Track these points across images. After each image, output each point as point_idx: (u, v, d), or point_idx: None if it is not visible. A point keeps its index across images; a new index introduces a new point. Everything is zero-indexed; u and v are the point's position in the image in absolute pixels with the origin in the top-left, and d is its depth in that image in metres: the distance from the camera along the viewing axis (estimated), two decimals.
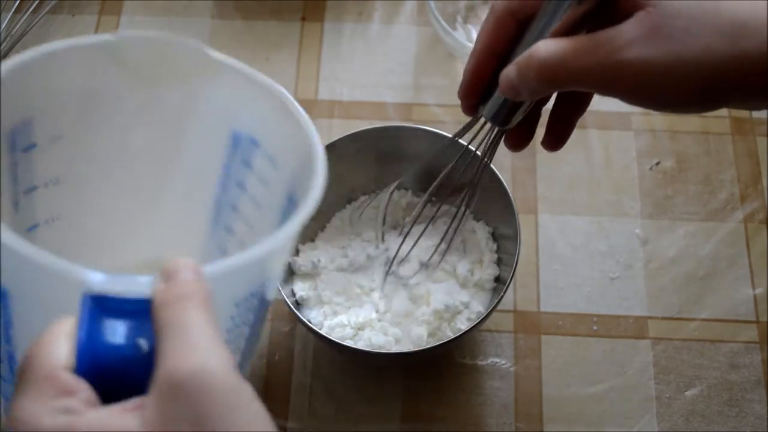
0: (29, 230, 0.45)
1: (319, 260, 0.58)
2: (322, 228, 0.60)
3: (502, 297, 0.52)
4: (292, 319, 0.60)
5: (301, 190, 0.38)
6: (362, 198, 0.61)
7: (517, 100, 0.42)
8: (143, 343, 0.34)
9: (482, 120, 0.45)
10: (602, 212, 0.64)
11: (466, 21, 0.71)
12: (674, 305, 0.60)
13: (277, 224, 0.40)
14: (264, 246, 0.35)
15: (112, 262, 0.47)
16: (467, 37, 0.70)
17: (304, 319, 0.53)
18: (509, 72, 0.39)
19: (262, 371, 0.58)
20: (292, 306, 0.53)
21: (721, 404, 0.57)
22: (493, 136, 0.46)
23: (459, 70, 0.70)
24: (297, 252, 0.59)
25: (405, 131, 0.59)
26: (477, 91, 0.43)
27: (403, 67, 0.70)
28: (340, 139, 0.58)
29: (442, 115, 0.67)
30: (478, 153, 0.48)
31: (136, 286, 0.34)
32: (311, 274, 0.58)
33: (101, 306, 0.34)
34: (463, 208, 0.53)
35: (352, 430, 0.56)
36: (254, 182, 0.43)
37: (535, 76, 0.38)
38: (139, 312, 0.34)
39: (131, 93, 0.42)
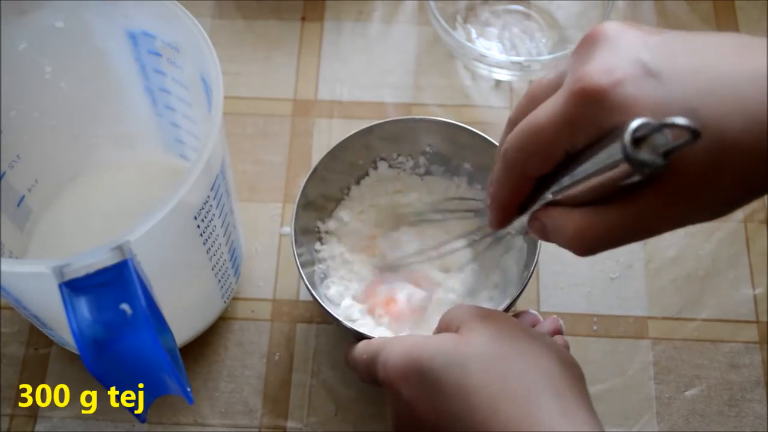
0: None
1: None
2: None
3: (513, 301, 0.52)
4: (291, 318, 0.60)
5: (206, 69, 0.45)
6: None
7: None
8: (126, 307, 0.36)
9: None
10: None
11: (466, 21, 0.71)
12: (674, 305, 0.60)
13: (204, 99, 0.48)
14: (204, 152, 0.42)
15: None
16: (467, 37, 0.70)
17: (324, 305, 0.52)
18: (540, 229, 0.40)
19: (262, 371, 0.58)
20: (315, 294, 0.52)
21: (721, 404, 0.57)
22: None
23: (459, 70, 0.70)
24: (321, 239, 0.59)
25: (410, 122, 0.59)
26: (506, 224, 0.44)
27: (403, 67, 0.70)
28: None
29: (443, 114, 0.67)
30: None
31: (93, 258, 0.36)
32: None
33: (76, 289, 0.36)
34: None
35: (352, 430, 0.56)
36: (167, 65, 0.52)
37: (568, 247, 0.38)
38: (108, 280, 0.36)
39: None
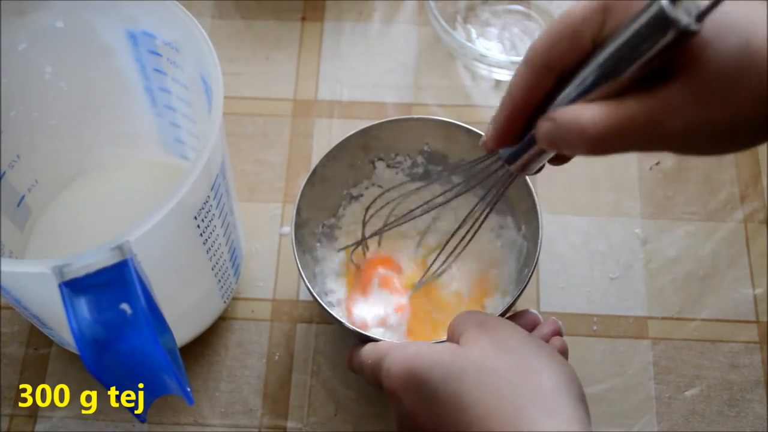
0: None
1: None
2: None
3: (514, 301, 0.52)
4: (291, 318, 0.60)
5: (206, 69, 0.45)
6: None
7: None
8: (126, 307, 0.36)
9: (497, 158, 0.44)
10: (602, 212, 0.64)
11: (466, 21, 0.71)
12: (674, 305, 0.60)
13: (204, 99, 0.48)
14: (202, 155, 0.42)
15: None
16: (467, 37, 0.70)
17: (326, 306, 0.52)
18: (549, 129, 0.38)
19: (261, 371, 0.58)
20: (317, 296, 0.52)
21: (721, 404, 0.57)
22: (509, 179, 0.46)
23: (459, 70, 0.70)
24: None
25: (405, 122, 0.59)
26: (508, 141, 0.42)
27: (403, 67, 0.70)
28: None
29: (443, 115, 0.67)
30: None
31: (93, 258, 0.36)
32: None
33: (76, 289, 0.36)
34: (477, 224, 0.53)
35: (352, 430, 0.56)
36: (167, 64, 0.52)
37: (579, 142, 0.37)
38: (108, 280, 0.36)
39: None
